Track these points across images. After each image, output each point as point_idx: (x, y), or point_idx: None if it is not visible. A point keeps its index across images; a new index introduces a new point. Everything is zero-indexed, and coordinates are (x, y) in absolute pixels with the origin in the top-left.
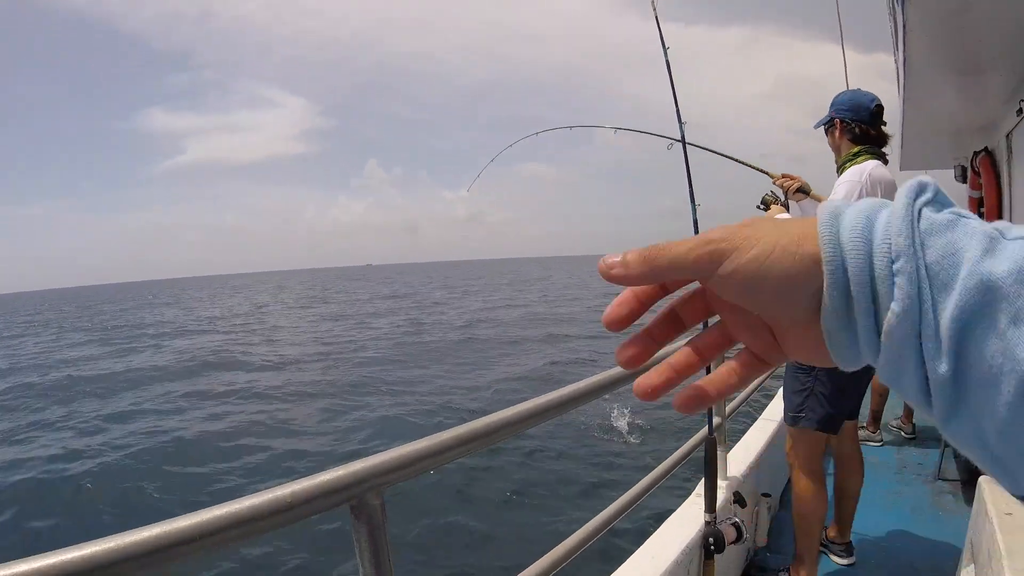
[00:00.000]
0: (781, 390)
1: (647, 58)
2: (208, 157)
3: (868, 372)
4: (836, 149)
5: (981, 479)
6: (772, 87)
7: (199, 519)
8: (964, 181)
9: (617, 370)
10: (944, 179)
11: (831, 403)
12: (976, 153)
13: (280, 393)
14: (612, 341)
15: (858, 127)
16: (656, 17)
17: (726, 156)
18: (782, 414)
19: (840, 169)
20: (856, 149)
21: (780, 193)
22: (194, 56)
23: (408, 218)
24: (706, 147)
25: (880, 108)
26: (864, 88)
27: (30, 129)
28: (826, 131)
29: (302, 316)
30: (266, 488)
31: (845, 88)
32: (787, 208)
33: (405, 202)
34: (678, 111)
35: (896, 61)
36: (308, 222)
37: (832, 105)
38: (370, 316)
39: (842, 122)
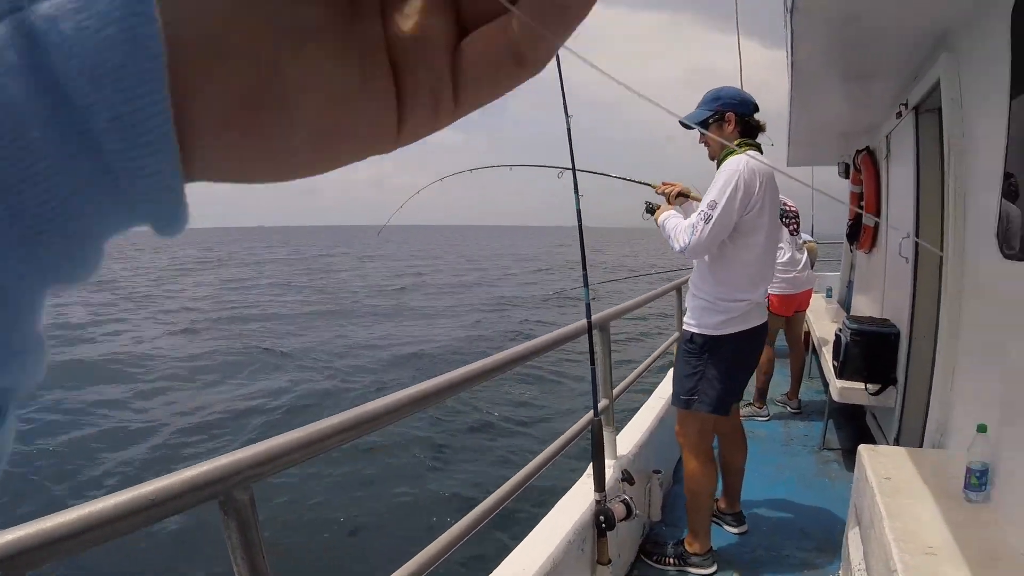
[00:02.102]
0: (671, 372)
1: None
2: None
3: (755, 353)
4: (718, 143)
5: (861, 447)
6: (684, 74)
7: (56, 521)
8: (847, 177)
9: (499, 356)
10: (828, 174)
11: (722, 385)
12: (858, 151)
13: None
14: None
15: (750, 119)
16: None
17: (613, 176)
18: (671, 397)
19: (720, 161)
20: (737, 141)
21: (663, 200)
22: None
23: (304, 181)
24: (593, 171)
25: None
26: (767, 84)
27: None
28: (707, 126)
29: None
30: (130, 487)
31: (740, 81)
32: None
33: None
34: (565, 106)
35: (788, 67)
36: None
37: (716, 100)
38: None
39: (737, 115)
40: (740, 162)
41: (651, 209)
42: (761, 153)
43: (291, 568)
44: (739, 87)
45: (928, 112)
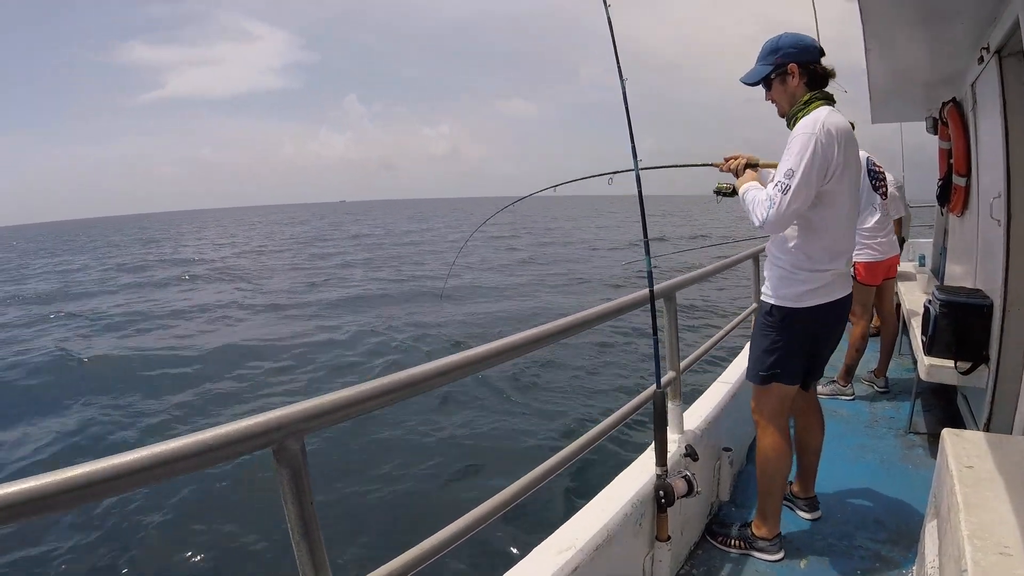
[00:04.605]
0: (747, 347)
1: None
2: (187, 91)
3: (838, 327)
4: (788, 98)
5: (944, 431)
6: (755, 32)
7: (129, 458)
8: (935, 132)
9: (558, 323)
10: (917, 131)
11: (802, 361)
12: (944, 104)
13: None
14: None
15: (816, 67)
16: None
17: (674, 166)
18: (745, 372)
19: (792, 120)
20: (806, 96)
21: (731, 178)
22: None
23: (386, 154)
24: (655, 166)
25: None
26: (850, 40)
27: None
28: (770, 83)
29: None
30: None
31: (816, 35)
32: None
33: (383, 137)
34: (620, 67)
35: (858, 10)
36: (284, 158)
37: (775, 52)
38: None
39: (800, 65)
40: (815, 123)
41: (726, 191)
42: (834, 104)
43: (336, 516)
44: (799, 33)
45: (1012, 56)
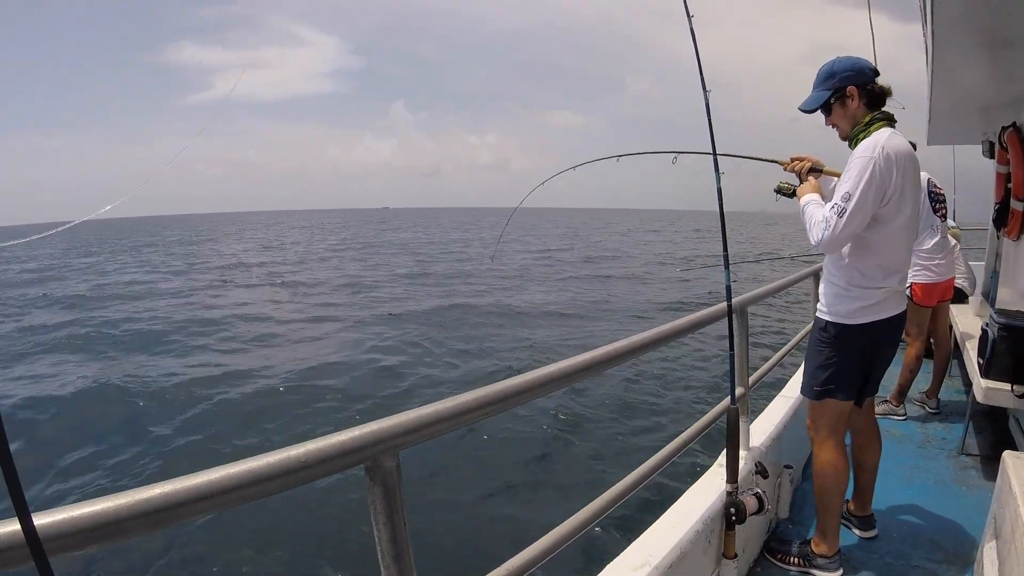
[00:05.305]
0: (803, 364)
1: (681, 14)
2: (235, 93)
3: (892, 344)
4: (849, 120)
5: (1005, 453)
6: (810, 51)
7: (213, 476)
8: (992, 156)
9: (636, 338)
10: (972, 154)
11: (856, 378)
12: (1004, 128)
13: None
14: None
15: (873, 87)
16: None
17: (744, 156)
18: (801, 388)
19: (854, 141)
20: (868, 118)
21: (793, 178)
22: None
23: (431, 162)
24: (735, 153)
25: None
26: (898, 60)
27: (52, 58)
28: (830, 107)
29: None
30: (281, 447)
31: (873, 57)
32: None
33: (429, 145)
34: (703, 79)
35: (924, 35)
36: (330, 162)
37: (832, 76)
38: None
39: (858, 87)
40: (874, 146)
41: (786, 192)
42: (895, 124)
43: (426, 538)
44: (855, 56)
45: None
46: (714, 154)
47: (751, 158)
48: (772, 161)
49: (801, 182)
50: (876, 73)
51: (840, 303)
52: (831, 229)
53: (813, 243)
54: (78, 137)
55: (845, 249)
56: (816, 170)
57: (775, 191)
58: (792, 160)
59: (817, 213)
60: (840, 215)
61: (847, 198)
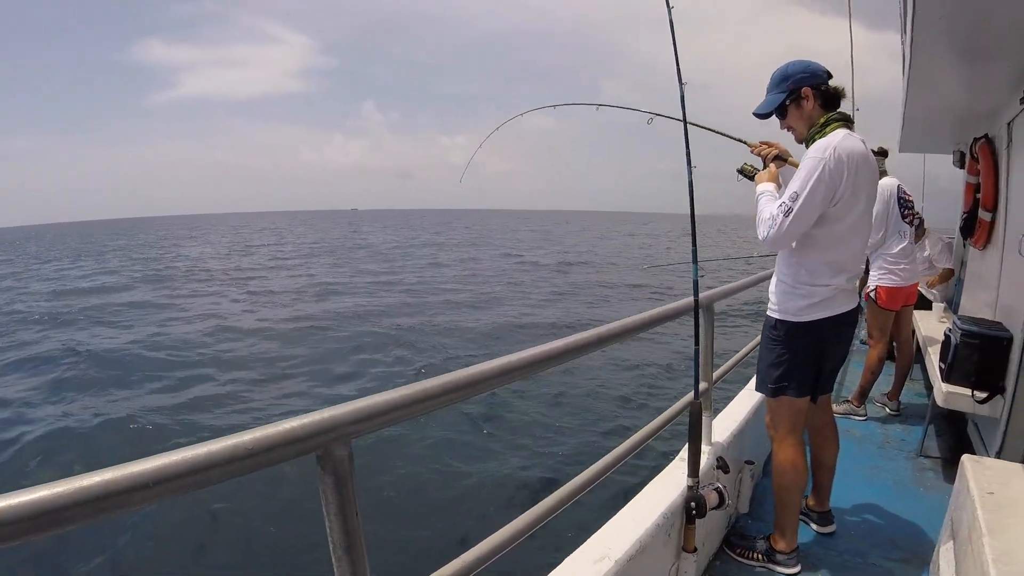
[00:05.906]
0: (757, 362)
1: (660, 17)
2: (204, 92)
3: (842, 342)
4: (805, 122)
5: (964, 457)
6: (785, 53)
7: (157, 463)
8: (962, 167)
9: (603, 329)
10: (942, 163)
11: (809, 375)
12: (976, 139)
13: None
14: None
15: (826, 88)
16: None
17: (707, 128)
18: (756, 386)
19: (810, 142)
20: (823, 119)
21: (758, 162)
22: None
23: (401, 164)
24: (703, 125)
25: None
26: (873, 68)
27: (13, 55)
28: (785, 110)
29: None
30: (230, 434)
31: (850, 65)
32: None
33: (400, 147)
34: (678, 68)
35: (903, 44)
36: (299, 163)
37: (786, 79)
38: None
39: (812, 88)
40: (826, 147)
41: (748, 174)
42: (852, 124)
43: (378, 528)
44: (808, 59)
45: None
46: (684, 121)
47: (721, 133)
48: (740, 140)
49: (765, 166)
50: (829, 75)
51: (788, 300)
52: (776, 227)
53: (760, 238)
54: (33, 139)
55: (794, 245)
56: (781, 159)
57: (737, 171)
58: (760, 144)
59: (766, 209)
60: (786, 214)
61: (794, 198)
